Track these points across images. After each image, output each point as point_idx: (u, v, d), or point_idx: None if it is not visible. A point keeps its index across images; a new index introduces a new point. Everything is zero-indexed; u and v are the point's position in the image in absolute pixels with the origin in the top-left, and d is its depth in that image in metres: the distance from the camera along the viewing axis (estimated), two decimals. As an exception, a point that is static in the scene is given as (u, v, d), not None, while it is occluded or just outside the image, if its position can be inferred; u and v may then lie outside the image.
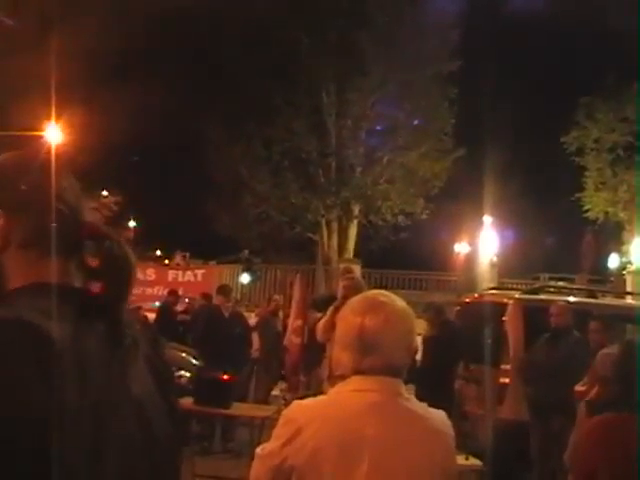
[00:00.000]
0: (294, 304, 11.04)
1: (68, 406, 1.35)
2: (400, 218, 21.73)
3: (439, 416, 2.40)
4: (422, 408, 2.38)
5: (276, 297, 13.55)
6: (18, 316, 1.41)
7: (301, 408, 2.38)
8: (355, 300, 2.44)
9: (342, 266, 19.09)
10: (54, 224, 1.58)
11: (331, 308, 6.66)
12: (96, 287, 1.60)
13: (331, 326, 6.28)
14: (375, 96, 21.26)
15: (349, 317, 2.37)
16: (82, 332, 1.47)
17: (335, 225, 22.09)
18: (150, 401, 1.60)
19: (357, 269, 17.89)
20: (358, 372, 2.33)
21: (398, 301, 2.42)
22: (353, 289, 6.12)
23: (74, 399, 1.37)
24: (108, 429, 1.43)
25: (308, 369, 8.71)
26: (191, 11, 19.16)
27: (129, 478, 1.49)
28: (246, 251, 22.92)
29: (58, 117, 19.99)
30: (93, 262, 1.61)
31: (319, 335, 6.81)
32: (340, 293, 6.76)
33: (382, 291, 2.50)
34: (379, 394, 2.30)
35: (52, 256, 1.60)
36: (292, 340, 9.72)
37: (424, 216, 21.84)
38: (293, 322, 10.34)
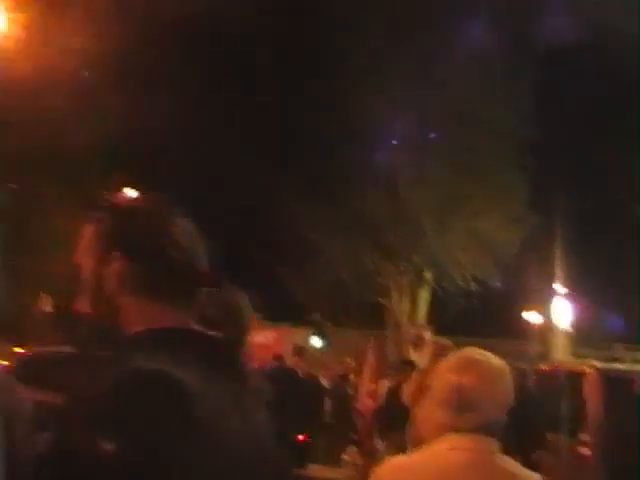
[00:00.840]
0: (367, 367, 11.03)
1: (207, 458, 1.39)
2: (472, 284, 21.54)
3: (534, 477, 2.37)
4: (517, 467, 2.36)
5: (347, 360, 13.52)
6: (157, 368, 1.41)
7: (395, 466, 2.37)
8: (451, 358, 2.44)
9: (413, 331, 18.98)
10: (169, 272, 1.62)
11: (418, 372, 6.72)
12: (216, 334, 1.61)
13: (419, 389, 6.32)
14: (449, 163, 21.26)
15: (445, 375, 2.37)
16: (210, 380, 1.48)
17: (406, 290, 22.01)
18: (270, 450, 1.63)
19: (428, 335, 17.72)
20: (454, 429, 2.32)
21: (494, 358, 2.41)
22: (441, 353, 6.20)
23: (211, 450, 1.40)
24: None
25: (384, 433, 8.62)
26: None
27: None
28: (317, 314, 22.90)
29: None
30: (209, 310, 1.64)
31: (406, 398, 6.83)
32: (429, 359, 6.86)
33: (477, 348, 2.50)
34: (475, 453, 2.28)
35: (169, 302, 1.61)
36: (366, 404, 9.68)
37: (496, 283, 21.64)
38: (367, 385, 10.33)
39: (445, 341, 6.81)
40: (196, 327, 1.61)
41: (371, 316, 22.36)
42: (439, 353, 6.68)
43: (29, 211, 19.67)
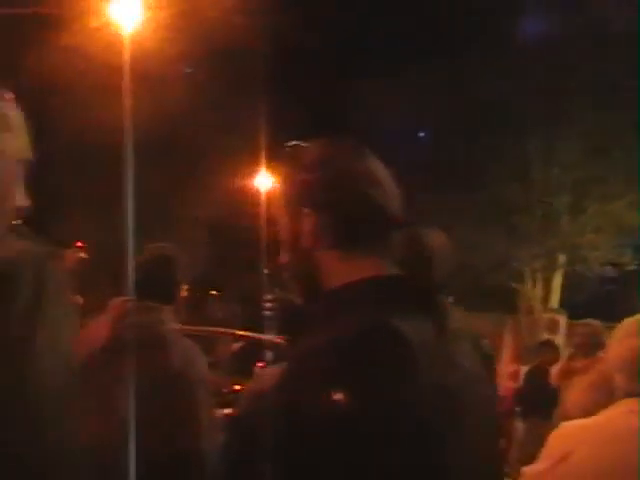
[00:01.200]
0: (507, 350, 10.97)
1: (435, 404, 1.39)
2: (607, 269, 21.01)
3: None
4: None
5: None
6: (384, 322, 1.40)
7: (572, 429, 2.40)
8: (628, 322, 2.44)
9: (546, 316, 18.66)
10: (365, 220, 1.57)
11: (567, 354, 6.77)
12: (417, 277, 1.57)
13: (567, 370, 6.46)
14: (582, 145, 20.77)
15: (624, 340, 2.38)
16: (420, 324, 1.46)
17: (539, 275, 21.64)
18: (478, 385, 1.59)
19: (562, 320, 17.43)
20: (629, 394, 2.33)
21: None
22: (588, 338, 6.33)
23: (437, 401, 1.40)
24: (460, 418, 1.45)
25: (524, 414, 8.56)
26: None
27: (474, 456, 1.49)
28: (450, 298, 22.71)
29: (268, 162, 20.65)
30: (400, 252, 1.59)
31: (555, 379, 6.83)
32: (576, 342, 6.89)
33: None
34: (656, 417, 2.28)
35: (367, 251, 1.56)
36: (507, 385, 9.61)
37: (632, 267, 21.04)
38: (507, 367, 10.25)
39: (595, 322, 6.74)
40: (396, 272, 1.57)
41: (504, 301, 22.07)
42: (589, 335, 6.62)
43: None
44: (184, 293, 3.37)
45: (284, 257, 1.65)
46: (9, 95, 1.49)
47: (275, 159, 1.73)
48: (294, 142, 1.70)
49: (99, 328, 1.43)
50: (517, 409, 8.75)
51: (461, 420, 1.44)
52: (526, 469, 2.42)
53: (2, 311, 1.13)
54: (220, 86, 18.71)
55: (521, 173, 21.07)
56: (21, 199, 1.48)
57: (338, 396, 1.31)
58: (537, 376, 8.32)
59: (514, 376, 9.54)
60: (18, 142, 1.48)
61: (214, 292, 23.49)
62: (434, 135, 22.96)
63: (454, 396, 1.43)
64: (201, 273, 14.12)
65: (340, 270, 1.56)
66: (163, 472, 2.82)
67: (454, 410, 1.43)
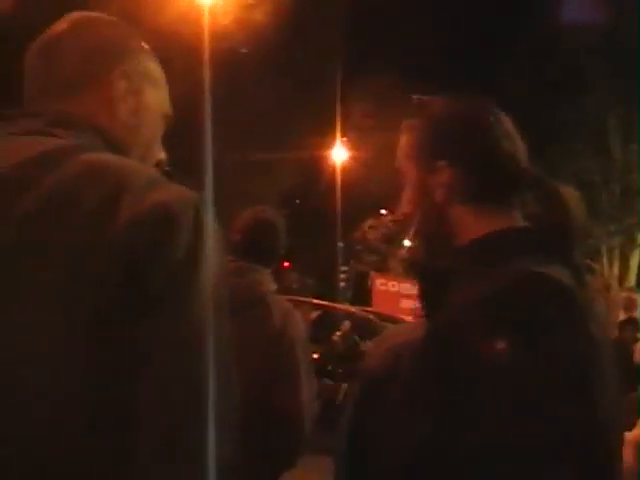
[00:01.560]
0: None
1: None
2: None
3: None
4: None
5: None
6: (543, 272, 1.36)
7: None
8: None
9: (624, 295, 18.36)
10: (500, 173, 1.54)
11: None
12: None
13: None
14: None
15: None
16: (566, 276, 1.40)
17: (617, 252, 21.35)
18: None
19: (639, 299, 17.16)
20: None
21: None
22: None
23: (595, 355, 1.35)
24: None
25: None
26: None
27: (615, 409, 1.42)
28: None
29: (343, 134, 20.60)
30: (533, 208, 1.55)
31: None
32: None
33: None
34: None
35: (501, 204, 1.53)
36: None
37: None
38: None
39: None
40: (530, 225, 1.53)
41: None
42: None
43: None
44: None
45: (407, 211, 1.61)
46: (147, 46, 1.50)
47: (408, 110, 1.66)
48: (420, 95, 1.67)
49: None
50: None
51: (606, 372, 1.39)
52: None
53: (164, 255, 1.14)
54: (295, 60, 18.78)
55: (601, 150, 20.78)
56: (160, 152, 1.50)
57: (502, 345, 1.28)
58: (620, 351, 8.22)
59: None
60: (161, 95, 1.50)
61: (288, 264, 23.72)
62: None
63: (601, 348, 1.39)
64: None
65: (473, 224, 1.53)
66: (264, 425, 2.86)
67: (602, 362, 1.38)
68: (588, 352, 1.34)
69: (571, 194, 1.56)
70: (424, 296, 1.59)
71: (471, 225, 1.53)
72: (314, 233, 21.11)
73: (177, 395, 1.11)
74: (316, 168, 21.10)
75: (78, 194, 1.17)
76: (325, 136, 19.90)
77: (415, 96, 1.68)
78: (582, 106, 20.17)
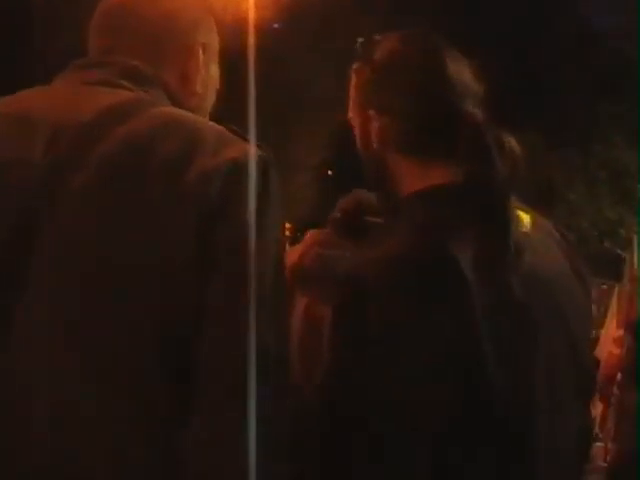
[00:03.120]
0: (612, 315, 10.78)
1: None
2: None
3: None
4: None
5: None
6: (434, 241, 1.36)
7: None
8: None
9: (652, 286, 18.20)
10: (436, 126, 1.49)
11: None
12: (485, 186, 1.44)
13: None
14: None
15: None
16: (480, 237, 1.39)
17: (648, 244, 21.11)
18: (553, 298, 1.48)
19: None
20: None
21: None
22: None
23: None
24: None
25: (628, 381, 8.41)
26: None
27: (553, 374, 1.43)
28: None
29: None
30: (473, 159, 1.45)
31: None
32: None
33: None
34: None
35: (436, 156, 1.49)
36: (613, 351, 9.44)
37: None
38: (613, 333, 10.05)
39: None
40: (462, 180, 1.46)
41: (610, 267, 21.75)
42: None
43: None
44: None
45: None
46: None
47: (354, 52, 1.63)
48: (366, 36, 1.62)
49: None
50: (619, 376, 8.60)
51: (526, 338, 1.40)
52: None
53: (234, 208, 1.18)
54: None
55: (636, 139, 20.51)
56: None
57: (391, 313, 1.30)
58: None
59: (619, 342, 9.35)
60: (218, 71, 1.56)
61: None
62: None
63: (509, 315, 1.38)
64: (305, 213, 14.23)
65: (409, 176, 1.51)
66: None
67: (513, 329, 1.38)
68: (467, 323, 1.33)
69: (515, 147, 1.51)
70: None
71: (407, 177, 1.51)
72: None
73: (241, 349, 1.15)
74: (350, 138, 21.05)
75: (150, 146, 1.21)
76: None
77: (360, 39, 1.63)
78: (620, 96, 19.93)
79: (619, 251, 21.66)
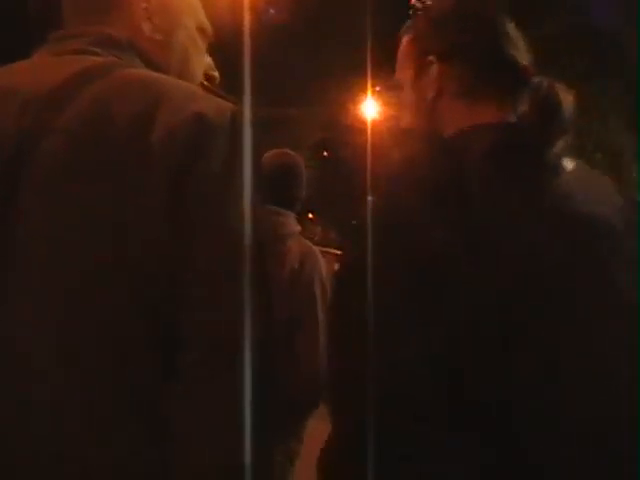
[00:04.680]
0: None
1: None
2: None
3: None
4: None
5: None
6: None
7: None
8: None
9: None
10: (493, 72, 1.51)
11: None
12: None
13: None
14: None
15: None
16: (513, 171, 1.38)
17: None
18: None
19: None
20: None
21: None
22: None
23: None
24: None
25: None
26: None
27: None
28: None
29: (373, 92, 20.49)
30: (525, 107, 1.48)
31: None
32: None
33: None
34: None
35: (489, 101, 1.49)
36: None
37: None
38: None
39: None
40: (511, 120, 1.48)
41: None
42: None
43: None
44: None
45: (407, 124, 1.59)
46: None
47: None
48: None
49: None
50: None
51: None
52: None
53: (201, 162, 1.19)
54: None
55: (634, 120, 20.55)
56: (201, 68, 1.55)
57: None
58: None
59: None
60: (194, 10, 1.53)
61: (311, 215, 23.69)
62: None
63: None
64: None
65: (459, 119, 1.50)
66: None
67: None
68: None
69: (566, 96, 1.53)
70: None
71: (457, 120, 1.49)
72: (341, 187, 21.06)
73: (224, 305, 1.17)
74: (346, 121, 21.03)
75: (117, 105, 1.21)
76: (356, 90, 19.76)
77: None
78: (616, 78, 19.98)
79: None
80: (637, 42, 15.99)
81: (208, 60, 1.56)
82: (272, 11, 18.77)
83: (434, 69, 1.52)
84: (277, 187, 3.26)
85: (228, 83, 1.42)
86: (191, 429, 1.14)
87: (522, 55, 1.54)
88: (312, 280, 3.14)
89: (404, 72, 1.60)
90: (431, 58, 1.53)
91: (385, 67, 1.64)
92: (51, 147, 1.20)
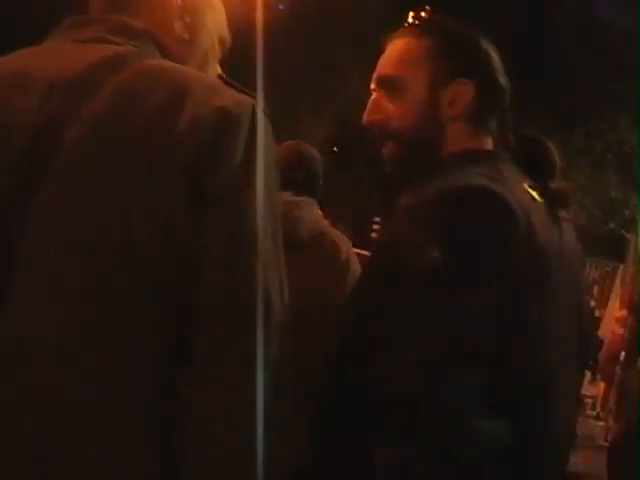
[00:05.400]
0: (616, 294, 10.83)
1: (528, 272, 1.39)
2: None
3: None
4: None
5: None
6: (484, 184, 1.39)
7: None
8: None
9: (655, 268, 18.20)
10: (498, 97, 1.61)
11: None
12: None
13: None
14: None
15: None
16: (525, 198, 1.46)
17: (652, 225, 21.12)
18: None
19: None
20: None
21: None
22: None
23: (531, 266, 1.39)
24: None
25: (629, 361, 8.44)
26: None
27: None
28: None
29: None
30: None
31: None
32: None
33: None
34: None
35: (486, 127, 1.59)
36: (615, 330, 9.47)
37: None
38: (617, 312, 10.06)
39: None
40: (504, 152, 1.59)
41: (613, 247, 21.74)
42: None
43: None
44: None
45: (406, 125, 1.60)
46: None
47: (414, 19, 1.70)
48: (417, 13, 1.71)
49: None
50: (622, 355, 8.63)
51: (552, 293, 1.45)
52: None
53: (223, 156, 1.20)
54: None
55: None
56: (216, 71, 1.56)
57: (433, 250, 1.31)
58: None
59: (622, 321, 9.36)
60: (218, 18, 1.55)
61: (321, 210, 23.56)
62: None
63: (548, 266, 1.43)
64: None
65: (459, 141, 1.57)
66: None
67: (548, 281, 1.44)
68: (519, 260, 1.37)
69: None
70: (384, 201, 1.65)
71: (460, 142, 1.57)
72: (350, 182, 21.07)
73: (242, 293, 1.18)
74: (356, 118, 21.02)
75: (142, 96, 1.23)
76: (367, 87, 19.78)
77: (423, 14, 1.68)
78: (623, 77, 19.90)
79: (623, 232, 21.70)
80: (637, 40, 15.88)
81: (218, 69, 1.57)
82: (282, 7, 18.75)
83: (465, 90, 1.57)
84: (305, 178, 3.23)
85: (240, 79, 1.44)
86: (212, 413, 1.15)
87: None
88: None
89: (414, 74, 1.61)
90: (461, 79, 1.57)
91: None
92: (76, 136, 1.21)
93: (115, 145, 1.21)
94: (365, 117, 1.63)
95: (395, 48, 1.63)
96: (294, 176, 3.15)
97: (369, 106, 1.63)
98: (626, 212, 20.81)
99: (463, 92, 1.57)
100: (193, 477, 1.15)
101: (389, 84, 1.62)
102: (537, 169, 1.57)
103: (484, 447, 1.27)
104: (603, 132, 20.30)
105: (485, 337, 1.31)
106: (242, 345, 1.16)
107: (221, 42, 1.56)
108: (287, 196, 3.05)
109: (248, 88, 1.37)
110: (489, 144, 1.59)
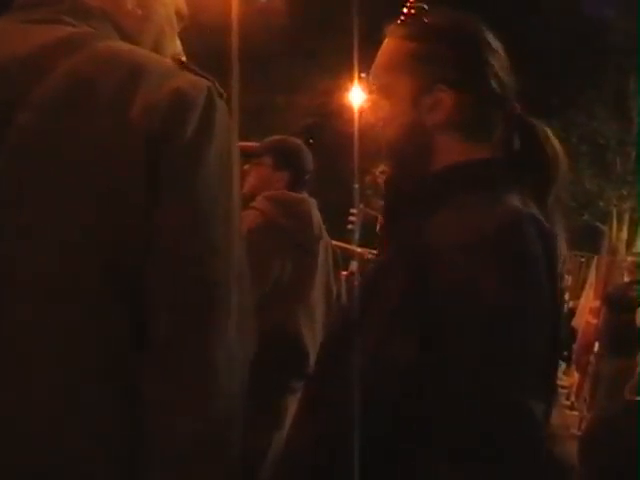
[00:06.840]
0: (590, 285, 10.90)
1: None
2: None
3: None
4: None
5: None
6: (523, 210, 1.36)
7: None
8: None
9: (630, 259, 18.31)
10: (489, 106, 1.50)
11: None
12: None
13: None
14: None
15: None
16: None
17: (627, 217, 21.25)
18: None
19: (645, 264, 17.12)
20: None
21: None
22: None
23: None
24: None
25: (603, 352, 8.50)
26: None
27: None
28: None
29: (360, 78, 20.46)
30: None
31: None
32: None
33: None
34: None
35: (479, 137, 1.50)
36: (589, 321, 9.53)
37: None
38: (590, 303, 10.14)
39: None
40: (508, 158, 1.51)
41: (588, 239, 21.87)
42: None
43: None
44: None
45: (391, 131, 1.53)
46: None
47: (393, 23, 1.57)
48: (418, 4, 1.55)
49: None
50: (596, 345, 8.69)
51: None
52: None
53: (176, 134, 1.19)
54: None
55: (619, 112, 20.59)
56: (174, 47, 1.51)
57: (489, 284, 1.27)
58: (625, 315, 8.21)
59: (595, 312, 9.43)
60: None
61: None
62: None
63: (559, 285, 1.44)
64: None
65: (453, 151, 1.48)
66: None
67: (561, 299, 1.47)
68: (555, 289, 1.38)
69: (549, 134, 1.58)
70: (387, 217, 1.61)
71: (451, 152, 1.48)
72: (325, 174, 21.07)
73: (195, 272, 1.17)
74: (332, 109, 21.01)
75: (95, 79, 1.20)
76: (342, 78, 19.72)
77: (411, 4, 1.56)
78: (602, 70, 19.98)
79: (598, 224, 21.83)
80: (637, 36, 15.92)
81: (178, 44, 1.52)
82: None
83: (446, 97, 1.48)
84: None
85: (216, 69, 1.42)
86: (167, 397, 1.14)
87: (509, 89, 1.54)
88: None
89: (396, 80, 1.53)
90: (441, 86, 1.48)
91: (372, 54, 1.61)
92: (25, 122, 1.19)
93: (67, 132, 1.19)
94: (365, 118, 1.60)
95: (382, 52, 1.57)
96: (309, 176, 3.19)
97: (367, 108, 1.61)
98: (601, 204, 20.96)
99: (442, 100, 1.47)
100: (150, 462, 1.14)
101: (376, 90, 1.57)
102: (536, 170, 1.54)
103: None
104: (578, 124, 20.37)
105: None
106: (191, 330, 1.15)
107: (179, 15, 1.51)
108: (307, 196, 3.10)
109: (224, 78, 1.36)
110: (485, 152, 1.49)
